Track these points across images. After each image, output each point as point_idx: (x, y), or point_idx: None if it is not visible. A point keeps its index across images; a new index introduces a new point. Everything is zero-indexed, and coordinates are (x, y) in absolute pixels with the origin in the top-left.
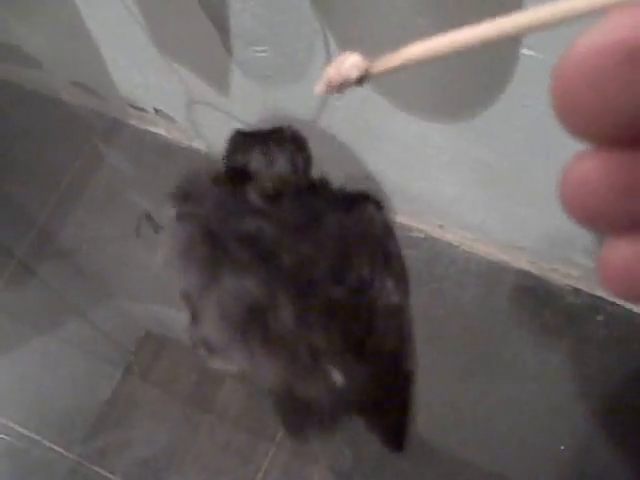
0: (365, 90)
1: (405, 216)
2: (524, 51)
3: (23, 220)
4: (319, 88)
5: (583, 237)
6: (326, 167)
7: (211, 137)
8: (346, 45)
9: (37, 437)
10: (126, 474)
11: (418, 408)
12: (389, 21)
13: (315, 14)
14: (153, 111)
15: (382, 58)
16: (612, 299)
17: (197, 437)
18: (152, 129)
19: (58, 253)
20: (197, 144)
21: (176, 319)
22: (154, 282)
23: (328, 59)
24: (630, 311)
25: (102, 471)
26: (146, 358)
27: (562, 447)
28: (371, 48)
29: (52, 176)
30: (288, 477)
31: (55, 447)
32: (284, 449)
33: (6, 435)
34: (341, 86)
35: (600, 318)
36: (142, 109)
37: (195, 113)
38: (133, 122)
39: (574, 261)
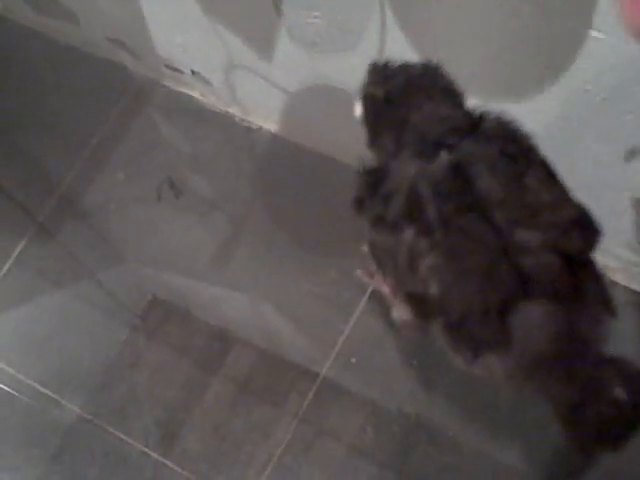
0: None
1: None
2: (593, 33)
3: (48, 181)
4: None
5: (627, 231)
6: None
7: (247, 103)
8: (404, 18)
9: (43, 388)
10: (132, 431)
11: None
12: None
13: None
14: (190, 73)
15: None
16: None
17: (203, 401)
18: (187, 91)
19: (80, 215)
20: (232, 110)
21: (186, 287)
22: (167, 249)
23: (383, 32)
24: None
25: (109, 427)
26: (153, 323)
27: None
28: (427, 26)
29: (80, 136)
30: (309, 453)
31: (57, 397)
32: (307, 424)
33: (4, 382)
34: None
35: (636, 313)
36: (178, 70)
37: (233, 77)
38: (168, 83)
39: (614, 253)
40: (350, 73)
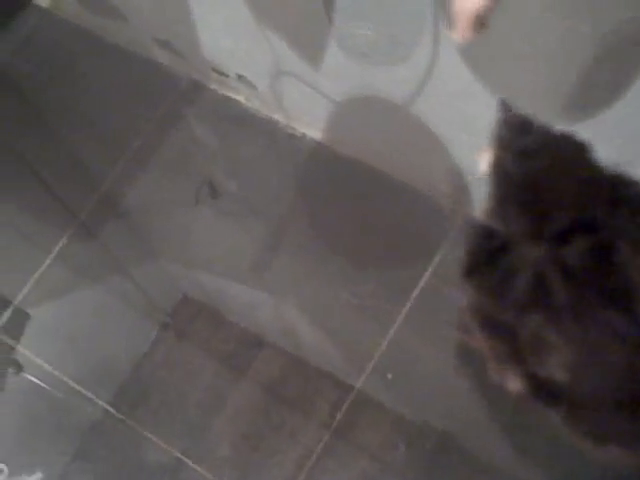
0: (466, 81)
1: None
2: None
3: (91, 179)
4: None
5: None
6: (411, 158)
7: (292, 110)
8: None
9: (69, 380)
10: (156, 428)
11: None
12: (510, 14)
13: None
14: (236, 77)
15: None
16: None
17: (235, 407)
18: (232, 95)
19: (120, 215)
20: (277, 116)
21: (219, 289)
22: (204, 251)
23: (435, 46)
24: None
25: (131, 422)
26: (183, 319)
27: None
28: (486, 41)
29: (124, 136)
30: (339, 465)
31: (88, 393)
32: (338, 436)
33: (38, 377)
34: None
35: None
36: (224, 74)
37: (280, 83)
38: (213, 86)
39: None
40: (398, 85)
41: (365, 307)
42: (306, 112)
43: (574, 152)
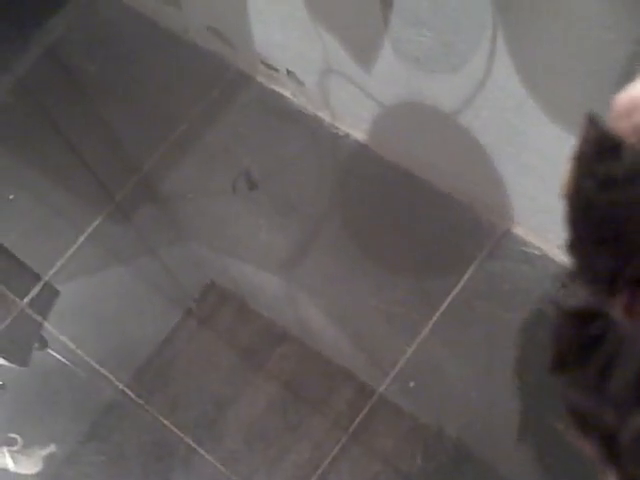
0: (522, 96)
1: (524, 229)
2: None
3: (130, 162)
4: None
5: None
6: (454, 167)
7: (338, 109)
8: (515, 46)
9: (91, 360)
10: (173, 416)
11: None
12: (570, 31)
13: (490, 6)
14: (285, 71)
15: None
16: None
17: (253, 402)
18: (279, 90)
19: (156, 199)
20: (322, 114)
21: (248, 273)
22: (237, 241)
23: (491, 57)
24: None
25: (147, 406)
26: (207, 307)
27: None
28: (543, 57)
29: (168, 121)
30: (354, 471)
31: (108, 374)
32: (356, 441)
33: (61, 354)
34: None
35: None
36: (273, 68)
37: (328, 82)
38: (261, 79)
39: None
40: (449, 94)
41: (393, 314)
42: (352, 112)
43: None
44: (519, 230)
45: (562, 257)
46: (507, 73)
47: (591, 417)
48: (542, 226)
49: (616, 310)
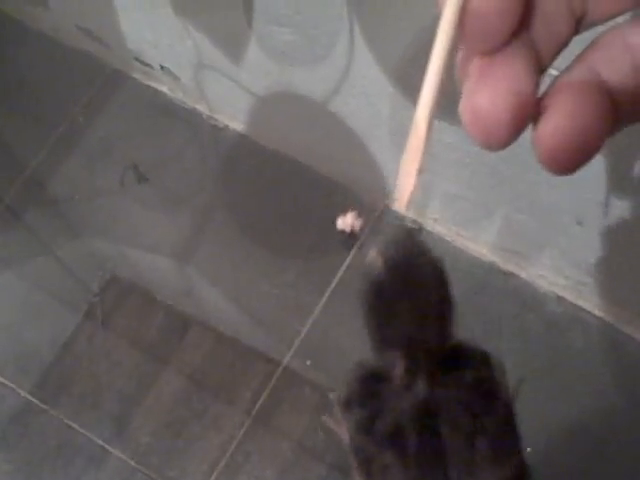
0: (383, 83)
1: (400, 205)
2: (552, 72)
3: (14, 165)
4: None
5: (577, 252)
6: (331, 151)
7: (215, 102)
8: (371, 35)
9: None
10: (79, 417)
11: None
12: (420, 22)
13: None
14: (159, 68)
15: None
16: (594, 311)
17: (158, 395)
18: (155, 85)
19: (44, 201)
20: (200, 107)
21: (145, 266)
22: (130, 237)
23: (351, 47)
24: (610, 325)
25: (53, 411)
26: (109, 302)
27: (528, 449)
28: (393, 44)
29: (48, 122)
30: (261, 450)
31: (7, 382)
32: (259, 422)
33: None
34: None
35: (580, 328)
36: (147, 64)
37: (202, 76)
38: (136, 76)
39: (564, 271)
40: (317, 83)
41: (285, 297)
42: (229, 105)
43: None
44: (396, 206)
45: (438, 229)
46: (367, 61)
47: (360, 449)
48: (418, 201)
49: (396, 371)
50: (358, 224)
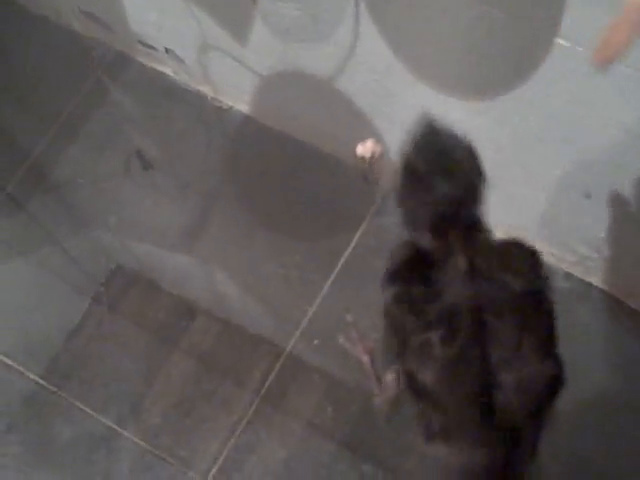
0: (389, 58)
1: None
2: (559, 41)
3: (17, 152)
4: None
5: (585, 227)
6: (337, 130)
7: (219, 83)
8: (378, 11)
9: (8, 360)
10: (89, 400)
11: None
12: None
13: None
14: (163, 50)
15: None
16: (601, 286)
17: (168, 376)
18: (159, 68)
19: (48, 187)
20: (204, 89)
21: (151, 260)
22: (136, 221)
23: (356, 25)
24: (617, 300)
25: (63, 394)
26: (116, 289)
27: None
28: (404, 20)
29: (52, 108)
30: (270, 429)
31: (18, 367)
32: (268, 402)
33: None
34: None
35: (588, 304)
36: (152, 47)
37: (206, 58)
38: (140, 59)
39: (571, 247)
40: (322, 61)
41: (293, 277)
42: (233, 85)
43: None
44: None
45: None
46: (373, 38)
47: (400, 324)
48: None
49: (432, 243)
50: (378, 150)
